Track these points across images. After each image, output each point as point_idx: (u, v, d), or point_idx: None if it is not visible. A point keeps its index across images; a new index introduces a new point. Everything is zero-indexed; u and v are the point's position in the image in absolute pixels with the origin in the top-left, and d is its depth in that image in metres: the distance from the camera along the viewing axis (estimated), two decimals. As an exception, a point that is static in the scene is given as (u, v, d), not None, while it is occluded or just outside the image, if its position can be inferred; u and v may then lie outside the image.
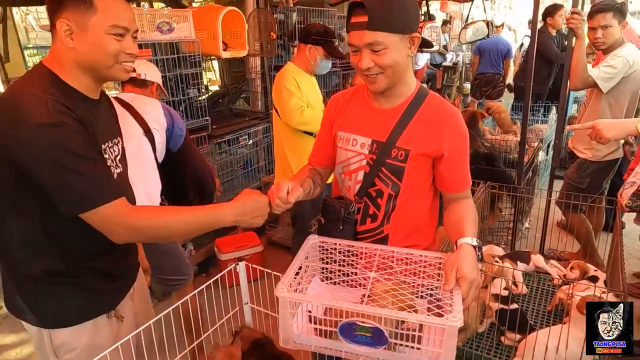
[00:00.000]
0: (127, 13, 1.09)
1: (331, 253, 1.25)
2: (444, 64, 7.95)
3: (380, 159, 1.26)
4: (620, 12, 2.46)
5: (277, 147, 2.66)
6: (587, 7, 3.33)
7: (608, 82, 2.48)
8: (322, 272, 1.28)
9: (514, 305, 1.67)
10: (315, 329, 1.08)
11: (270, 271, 1.28)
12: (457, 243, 1.12)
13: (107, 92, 1.31)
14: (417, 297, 1.13)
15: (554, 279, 1.96)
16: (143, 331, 1.08)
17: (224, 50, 3.23)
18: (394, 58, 1.14)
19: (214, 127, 3.29)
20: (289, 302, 1.05)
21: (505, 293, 1.71)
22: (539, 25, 4.05)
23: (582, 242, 2.73)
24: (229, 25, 3.26)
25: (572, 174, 2.74)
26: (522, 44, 6.97)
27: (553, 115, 4.44)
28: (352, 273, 1.24)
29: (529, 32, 5.62)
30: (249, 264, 1.36)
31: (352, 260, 1.24)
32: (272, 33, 3.66)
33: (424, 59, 6.87)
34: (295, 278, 1.12)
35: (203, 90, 3.42)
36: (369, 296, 1.06)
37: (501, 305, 1.66)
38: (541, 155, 3.70)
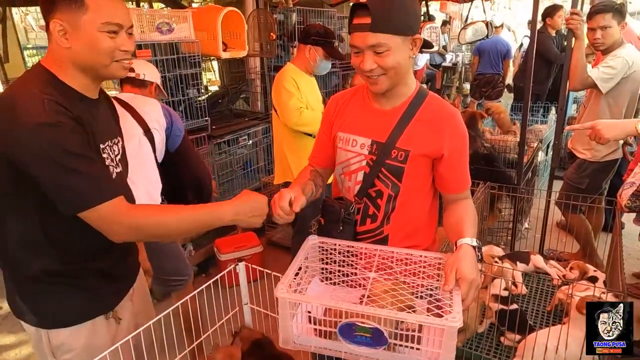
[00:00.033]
0: (119, 9, 1.08)
1: (331, 253, 1.25)
2: (443, 64, 7.95)
3: (380, 159, 1.26)
4: (620, 12, 2.46)
5: (276, 148, 2.66)
6: (587, 8, 3.33)
7: (607, 82, 2.48)
8: (322, 273, 1.28)
9: (514, 306, 1.67)
10: (315, 329, 1.08)
11: (270, 272, 1.28)
12: (457, 244, 1.12)
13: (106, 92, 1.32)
14: (416, 297, 1.13)
15: (554, 280, 1.96)
16: (143, 332, 1.07)
17: (224, 50, 3.23)
18: (397, 60, 1.15)
19: (214, 127, 3.30)
20: (289, 303, 1.05)
21: (505, 293, 1.71)
22: (539, 25, 4.06)
23: (581, 243, 2.73)
24: (229, 25, 3.27)
25: (571, 175, 2.75)
26: (521, 45, 6.97)
27: (552, 115, 4.44)
28: (351, 273, 1.24)
29: (528, 33, 5.63)
30: (249, 265, 1.36)
31: (352, 261, 1.24)
32: (271, 33, 3.66)
33: (423, 59, 6.87)
34: (295, 278, 1.12)
35: (203, 91, 3.42)
36: (368, 296, 1.06)
37: (501, 306, 1.66)
38: (541, 156, 3.70)
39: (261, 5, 3.92)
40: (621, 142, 2.58)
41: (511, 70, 6.55)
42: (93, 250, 1.16)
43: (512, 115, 4.28)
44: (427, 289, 1.16)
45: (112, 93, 1.90)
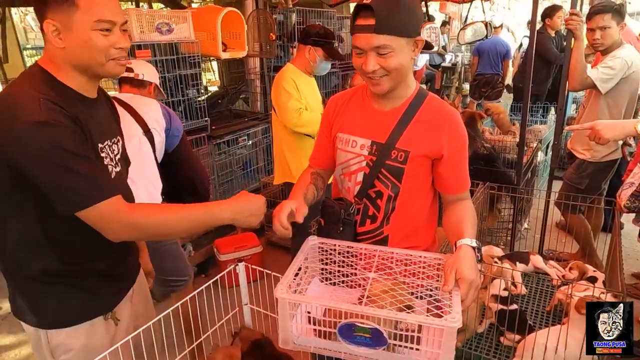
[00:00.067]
0: (110, 6, 1.06)
1: (330, 254, 1.25)
2: (443, 64, 7.95)
3: (379, 160, 1.26)
4: (619, 13, 2.47)
5: (276, 148, 2.66)
6: (586, 8, 3.34)
7: (606, 83, 2.48)
8: (322, 273, 1.28)
9: (513, 306, 1.67)
10: (315, 329, 1.08)
11: (269, 272, 1.28)
12: (457, 244, 1.12)
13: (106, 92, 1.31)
14: (416, 298, 1.13)
15: (553, 280, 1.96)
16: (143, 332, 1.07)
17: (223, 51, 3.23)
18: (400, 61, 1.14)
19: (213, 127, 3.29)
20: (289, 303, 1.06)
21: (504, 294, 1.71)
22: (538, 26, 4.06)
23: (581, 243, 2.74)
24: (229, 26, 3.27)
25: (571, 175, 2.75)
26: (520, 45, 6.97)
27: (552, 115, 4.45)
28: (351, 274, 1.24)
29: (527, 33, 5.63)
30: (249, 265, 1.36)
31: (352, 261, 1.24)
32: (271, 34, 3.66)
33: (423, 59, 6.87)
34: (294, 279, 1.12)
35: (202, 91, 3.42)
36: (367, 297, 1.06)
37: (500, 306, 1.67)
38: (540, 156, 3.70)
39: (261, 5, 3.92)
40: (620, 142, 2.59)
41: (510, 70, 6.56)
42: (93, 251, 1.16)
43: (511, 115, 4.29)
44: (427, 290, 1.16)
45: (111, 93, 1.90)
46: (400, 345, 1.02)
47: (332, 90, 4.17)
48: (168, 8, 4.73)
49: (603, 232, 2.88)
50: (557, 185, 2.74)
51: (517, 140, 2.83)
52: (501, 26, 6.59)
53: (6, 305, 2.85)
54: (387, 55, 1.13)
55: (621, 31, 2.52)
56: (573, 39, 2.42)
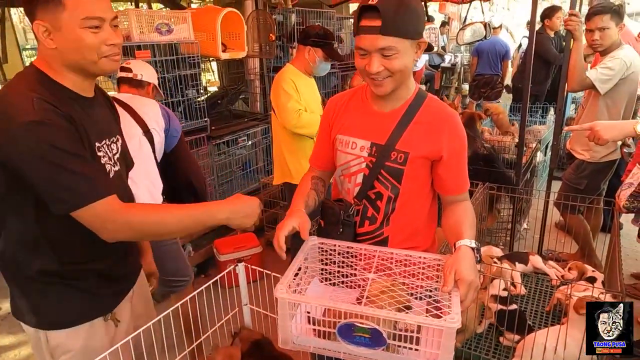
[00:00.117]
0: (97, 2, 1.04)
1: (330, 254, 1.25)
2: (442, 65, 7.95)
3: (379, 161, 1.26)
4: (618, 14, 2.47)
5: (275, 149, 2.66)
6: (585, 9, 3.34)
7: (605, 83, 2.48)
8: (322, 274, 1.28)
9: (513, 306, 1.67)
10: (314, 330, 1.08)
11: (269, 272, 1.29)
12: (456, 245, 1.13)
13: (105, 92, 1.31)
14: (415, 298, 1.14)
15: (552, 280, 1.97)
16: (143, 332, 1.07)
17: (223, 51, 3.23)
18: (404, 63, 1.14)
19: (213, 128, 3.29)
20: (288, 303, 1.06)
21: (504, 294, 1.71)
22: (537, 26, 4.07)
23: (580, 243, 2.74)
24: (228, 26, 3.27)
25: (570, 175, 2.75)
26: (520, 45, 6.98)
27: (551, 116, 4.45)
28: (351, 274, 1.24)
29: (526, 34, 5.63)
30: (248, 265, 1.36)
31: (351, 262, 1.24)
32: (271, 34, 3.66)
33: (422, 60, 6.88)
34: (294, 279, 1.12)
35: (202, 92, 3.42)
36: (367, 297, 1.06)
37: (500, 306, 1.67)
38: (539, 157, 3.70)
39: (260, 6, 3.93)
40: (619, 143, 2.59)
41: (510, 71, 6.56)
42: (93, 251, 1.16)
43: (510, 115, 4.29)
44: (426, 290, 1.16)
45: (110, 93, 1.90)
46: (399, 346, 1.02)
47: (331, 91, 4.17)
48: (167, 8, 4.73)
49: (602, 233, 2.88)
50: (556, 185, 2.74)
51: (517, 140, 2.84)
52: (500, 27, 6.59)
53: (6, 306, 2.85)
54: (391, 57, 1.12)
55: (620, 32, 2.52)
56: (572, 39, 2.42)
